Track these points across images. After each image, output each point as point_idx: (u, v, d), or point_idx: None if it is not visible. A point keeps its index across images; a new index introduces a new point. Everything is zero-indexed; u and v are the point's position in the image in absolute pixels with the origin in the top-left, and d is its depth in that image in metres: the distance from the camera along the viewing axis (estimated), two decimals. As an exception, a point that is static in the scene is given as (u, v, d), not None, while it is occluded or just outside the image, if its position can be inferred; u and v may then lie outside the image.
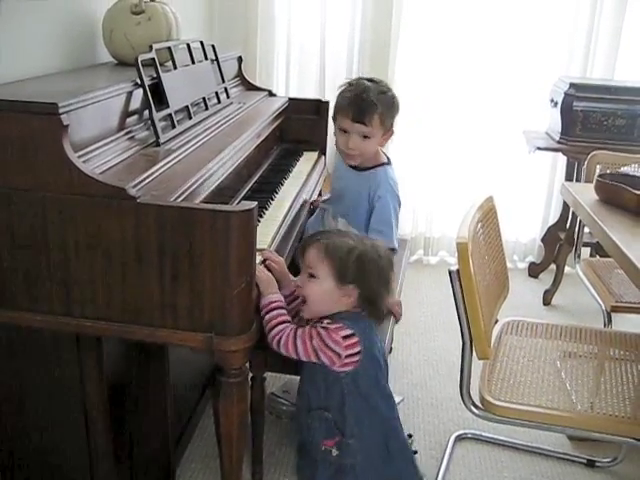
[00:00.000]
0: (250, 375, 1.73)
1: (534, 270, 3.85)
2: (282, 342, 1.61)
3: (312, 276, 1.66)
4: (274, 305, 1.63)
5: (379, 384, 1.72)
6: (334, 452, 1.70)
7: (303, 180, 2.50)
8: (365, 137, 2.16)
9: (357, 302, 1.66)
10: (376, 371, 1.69)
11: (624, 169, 2.53)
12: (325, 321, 1.63)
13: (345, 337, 1.60)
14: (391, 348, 2.88)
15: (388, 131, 2.20)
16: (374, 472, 1.73)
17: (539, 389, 1.87)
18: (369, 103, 2.11)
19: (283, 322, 1.63)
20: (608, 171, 2.48)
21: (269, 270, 1.72)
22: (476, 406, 1.82)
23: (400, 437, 1.79)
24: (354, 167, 2.27)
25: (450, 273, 1.69)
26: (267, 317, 1.62)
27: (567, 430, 1.97)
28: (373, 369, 1.68)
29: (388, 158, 2.31)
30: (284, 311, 1.64)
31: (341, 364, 1.61)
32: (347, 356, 1.60)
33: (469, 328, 1.71)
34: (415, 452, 2.28)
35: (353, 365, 1.62)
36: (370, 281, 1.64)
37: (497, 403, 1.78)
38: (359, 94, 2.13)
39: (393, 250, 2.14)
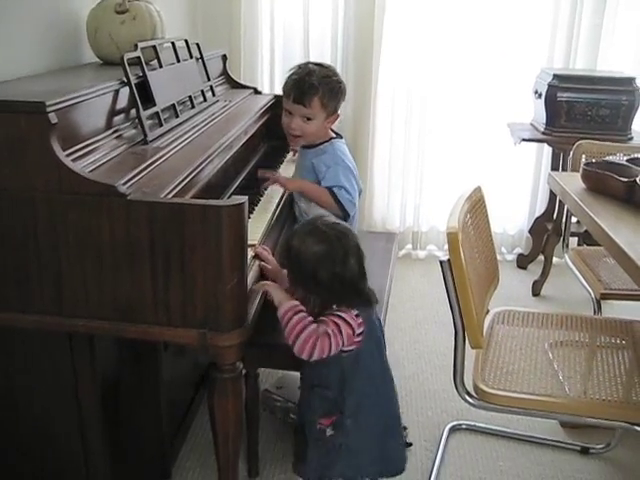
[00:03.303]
0: (243, 371, 1.73)
1: (522, 261, 3.87)
2: (317, 347, 1.58)
3: None
4: (298, 308, 1.62)
5: (382, 361, 1.74)
6: (328, 432, 1.70)
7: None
8: (307, 119, 2.20)
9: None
10: (380, 349, 1.73)
11: (609, 158, 2.55)
12: (334, 306, 1.64)
13: (356, 315, 1.63)
14: (383, 342, 2.89)
15: (332, 114, 2.23)
16: (364, 453, 1.73)
17: (532, 377, 1.87)
18: (310, 85, 2.15)
19: (308, 324, 1.60)
20: (594, 160, 2.50)
21: (262, 273, 1.76)
22: (470, 395, 1.83)
23: (397, 420, 1.81)
24: (306, 146, 2.30)
25: (441, 263, 1.69)
26: (296, 318, 1.60)
27: (560, 416, 1.99)
28: (375, 346, 1.71)
29: (337, 134, 2.33)
30: (305, 314, 1.62)
31: (351, 341, 1.62)
32: (357, 334, 1.63)
33: (461, 317, 1.72)
34: (410, 444, 2.30)
35: (357, 345, 1.64)
36: (314, 283, 1.62)
37: (491, 391, 1.79)
38: (303, 77, 2.17)
39: (346, 214, 2.19)
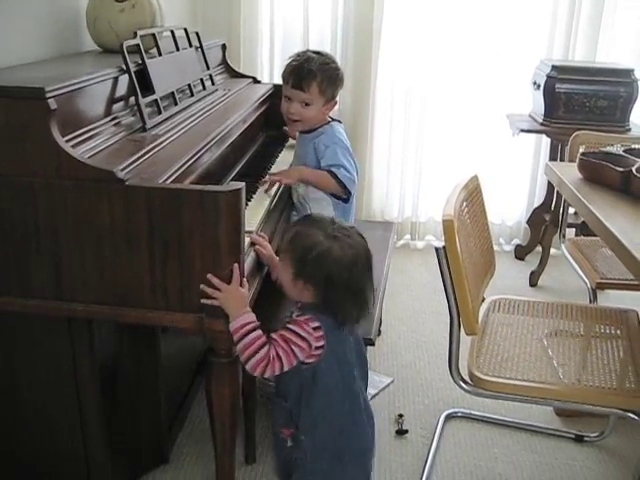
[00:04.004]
0: (240, 357, 1.74)
1: (520, 252, 3.88)
2: (269, 366, 1.51)
3: (281, 260, 1.62)
4: (251, 326, 1.53)
5: (349, 388, 1.62)
6: (289, 442, 1.64)
7: (289, 165, 2.50)
8: (306, 104, 2.22)
9: (316, 301, 1.56)
10: (344, 374, 1.60)
11: (607, 148, 2.56)
12: (295, 313, 1.59)
13: (314, 328, 1.54)
14: (380, 331, 2.92)
15: (330, 101, 2.25)
16: (322, 474, 1.63)
17: (527, 364, 1.89)
18: (308, 71, 2.18)
19: (262, 345, 1.51)
20: (591, 150, 2.51)
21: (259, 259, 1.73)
22: (465, 381, 1.85)
23: (357, 449, 1.67)
24: (304, 132, 2.32)
25: (437, 250, 1.71)
26: (248, 339, 1.51)
27: (555, 403, 2.02)
28: (339, 370, 1.59)
29: (334, 119, 2.34)
30: (259, 332, 1.53)
31: (309, 354, 1.54)
32: (315, 347, 1.54)
33: (456, 304, 1.74)
34: (406, 431, 2.32)
35: (316, 358, 1.55)
36: (328, 286, 1.53)
37: (485, 378, 1.81)
38: (301, 63, 2.20)
39: (347, 192, 2.20)
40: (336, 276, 1.52)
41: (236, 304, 1.52)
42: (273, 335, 1.55)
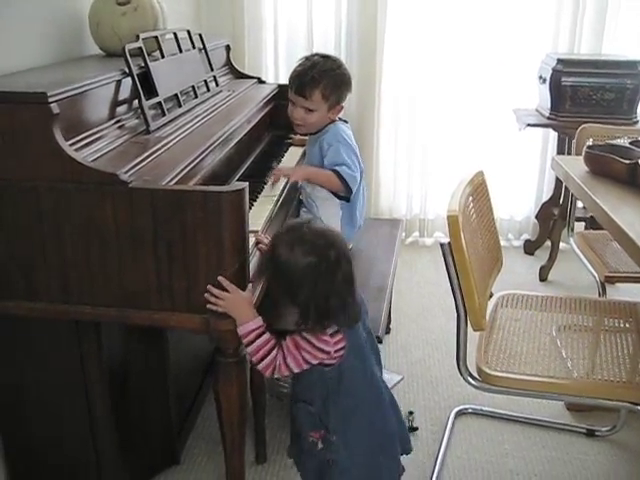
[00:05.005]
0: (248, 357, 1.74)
1: (529, 247, 3.87)
2: (276, 369, 1.53)
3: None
4: (260, 330, 1.53)
5: (371, 379, 1.63)
6: (319, 445, 1.62)
7: (295, 164, 2.51)
8: (309, 110, 2.22)
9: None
10: (363, 363, 1.61)
11: (613, 141, 2.54)
12: (307, 325, 1.54)
13: (332, 334, 1.53)
14: (389, 329, 2.91)
15: (335, 106, 2.25)
16: (354, 471, 1.62)
17: (535, 359, 1.88)
18: (311, 78, 2.18)
19: (272, 348, 1.53)
20: (597, 143, 2.49)
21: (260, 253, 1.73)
22: (473, 377, 1.84)
23: (386, 437, 1.67)
24: (312, 132, 2.34)
25: (442, 246, 1.71)
26: (257, 343, 1.52)
27: (564, 397, 2.01)
28: (360, 361, 1.59)
29: (341, 119, 2.35)
30: (268, 335, 1.54)
31: (330, 359, 1.54)
32: (336, 351, 1.53)
33: (463, 299, 1.73)
34: (416, 428, 2.32)
35: (339, 359, 1.54)
36: (300, 296, 1.50)
37: (493, 373, 1.80)
38: (306, 69, 2.20)
39: (348, 190, 2.20)
40: (301, 285, 1.48)
41: (241, 310, 1.53)
42: (287, 338, 1.54)
